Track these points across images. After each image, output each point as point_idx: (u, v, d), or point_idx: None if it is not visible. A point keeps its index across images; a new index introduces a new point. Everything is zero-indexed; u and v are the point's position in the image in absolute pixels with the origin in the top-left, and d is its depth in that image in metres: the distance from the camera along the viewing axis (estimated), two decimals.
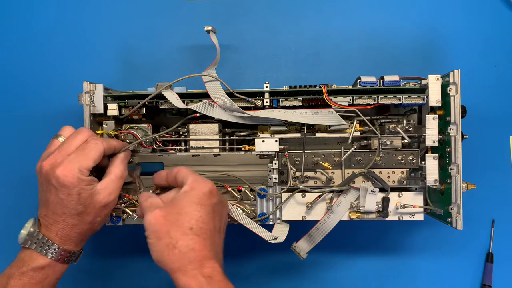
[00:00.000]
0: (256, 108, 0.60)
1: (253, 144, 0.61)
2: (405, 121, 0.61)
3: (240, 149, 0.62)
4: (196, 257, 0.46)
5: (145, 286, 0.76)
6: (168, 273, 0.47)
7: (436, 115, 0.59)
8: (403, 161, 0.61)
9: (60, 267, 0.53)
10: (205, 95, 0.60)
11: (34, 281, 0.50)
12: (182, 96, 0.60)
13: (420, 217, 0.61)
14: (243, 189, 0.63)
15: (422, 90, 0.60)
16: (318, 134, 0.62)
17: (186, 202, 0.49)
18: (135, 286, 0.76)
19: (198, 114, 0.60)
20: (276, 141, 0.61)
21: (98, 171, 0.57)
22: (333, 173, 0.62)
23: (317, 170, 0.62)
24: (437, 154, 0.59)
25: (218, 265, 0.47)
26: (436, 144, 0.59)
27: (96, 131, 0.62)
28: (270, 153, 0.61)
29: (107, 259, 0.77)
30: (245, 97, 0.59)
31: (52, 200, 0.51)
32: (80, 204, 0.51)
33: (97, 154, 0.52)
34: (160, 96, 0.60)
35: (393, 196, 0.61)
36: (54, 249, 0.51)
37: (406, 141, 0.61)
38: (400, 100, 0.59)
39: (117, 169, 0.55)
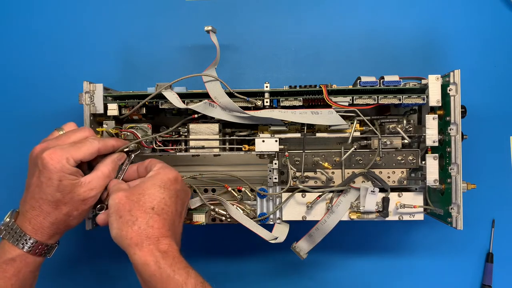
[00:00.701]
0: (256, 108, 0.60)
1: (253, 144, 0.61)
2: (405, 121, 0.61)
3: (240, 149, 0.62)
4: (153, 234, 0.48)
5: None
6: (124, 250, 0.48)
7: (436, 115, 0.59)
8: (403, 161, 0.61)
9: (32, 260, 0.51)
10: (205, 95, 0.60)
11: (8, 275, 0.49)
12: (182, 96, 0.60)
13: (420, 217, 0.61)
14: (243, 189, 0.63)
15: (422, 90, 0.60)
16: (318, 134, 0.62)
17: (150, 184, 0.51)
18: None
19: (196, 115, 0.60)
20: (276, 141, 0.61)
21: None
22: (333, 173, 0.62)
23: (317, 170, 0.62)
24: (437, 154, 0.59)
25: (174, 243, 0.49)
26: (436, 144, 0.59)
27: (97, 129, 0.62)
28: (270, 153, 0.61)
29: (106, 259, 0.77)
30: (245, 97, 0.59)
31: (33, 183, 0.50)
32: (58, 192, 0.50)
33: (90, 150, 0.52)
34: (160, 96, 0.60)
35: (393, 196, 0.61)
36: (25, 239, 0.50)
37: (406, 141, 0.61)
38: (400, 100, 0.59)
39: (105, 167, 0.54)
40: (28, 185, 0.52)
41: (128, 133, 0.61)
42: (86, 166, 0.55)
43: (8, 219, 0.52)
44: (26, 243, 0.50)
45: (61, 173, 0.49)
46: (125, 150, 0.58)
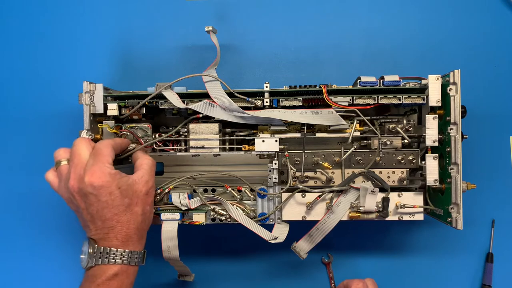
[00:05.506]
0: (256, 108, 0.60)
1: (253, 144, 0.61)
2: (405, 121, 0.61)
3: (240, 149, 0.62)
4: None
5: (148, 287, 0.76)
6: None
7: (436, 115, 0.59)
8: (403, 161, 0.61)
9: (132, 270, 0.53)
10: (205, 95, 0.60)
11: None
12: (182, 96, 0.60)
13: (420, 217, 0.61)
14: (243, 189, 0.63)
15: (422, 90, 0.60)
16: (318, 134, 0.62)
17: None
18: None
19: (201, 115, 0.60)
20: (276, 141, 0.61)
21: None
22: (333, 173, 0.62)
23: (317, 170, 0.62)
24: (437, 154, 0.59)
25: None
26: (436, 144, 0.59)
27: (98, 125, 0.62)
28: (270, 153, 0.61)
29: None
30: (245, 97, 0.59)
31: (97, 210, 0.51)
32: (125, 197, 0.51)
33: (110, 149, 0.53)
34: (160, 96, 0.60)
35: (393, 196, 0.61)
36: (120, 253, 0.51)
37: (406, 141, 0.61)
38: (400, 100, 0.59)
39: (145, 160, 0.56)
40: (91, 217, 0.51)
41: (128, 133, 0.61)
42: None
43: (90, 250, 0.51)
44: (123, 256, 0.51)
45: (116, 181, 0.51)
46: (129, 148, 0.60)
